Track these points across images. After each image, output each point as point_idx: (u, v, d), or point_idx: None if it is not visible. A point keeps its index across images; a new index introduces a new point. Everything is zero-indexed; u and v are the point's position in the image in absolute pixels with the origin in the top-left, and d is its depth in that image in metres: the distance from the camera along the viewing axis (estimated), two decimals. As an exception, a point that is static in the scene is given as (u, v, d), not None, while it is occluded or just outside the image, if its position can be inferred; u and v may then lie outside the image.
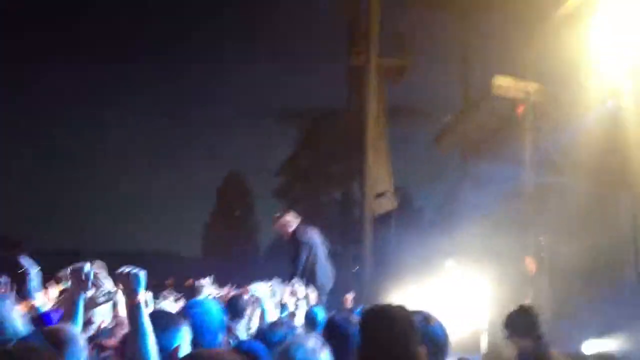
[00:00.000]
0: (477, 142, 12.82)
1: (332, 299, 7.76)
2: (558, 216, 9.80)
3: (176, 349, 2.61)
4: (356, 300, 7.84)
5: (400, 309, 2.06)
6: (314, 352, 2.27)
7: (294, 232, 7.66)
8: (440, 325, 2.59)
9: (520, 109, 10.68)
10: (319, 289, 7.33)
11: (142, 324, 2.51)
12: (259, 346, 3.18)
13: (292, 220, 7.74)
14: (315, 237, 7.82)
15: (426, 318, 2.55)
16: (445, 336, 2.58)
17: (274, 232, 7.92)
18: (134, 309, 2.54)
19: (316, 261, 7.58)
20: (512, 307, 4.54)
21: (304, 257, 7.48)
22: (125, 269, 2.62)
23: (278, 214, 7.87)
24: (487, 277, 8.92)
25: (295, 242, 7.60)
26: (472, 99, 12.16)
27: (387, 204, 10.96)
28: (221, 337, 3.21)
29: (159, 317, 2.76)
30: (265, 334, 3.77)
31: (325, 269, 7.69)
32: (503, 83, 10.89)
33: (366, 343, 1.97)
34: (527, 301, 5.54)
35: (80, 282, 3.10)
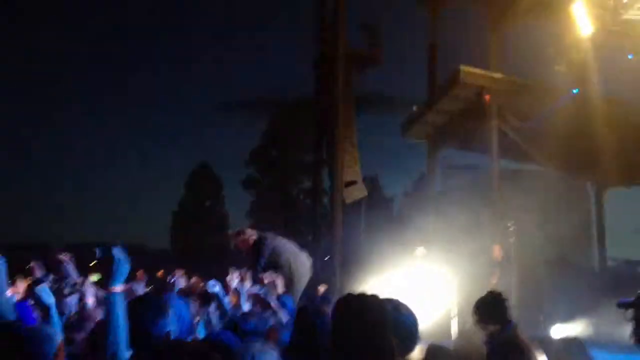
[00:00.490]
0: (445, 130, 12.91)
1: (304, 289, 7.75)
2: (525, 202, 9.94)
3: (168, 334, 2.63)
4: (328, 291, 7.85)
5: (373, 298, 2.05)
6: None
7: (255, 241, 7.63)
8: (411, 314, 2.59)
9: (487, 97, 10.78)
10: (297, 279, 7.32)
11: (117, 315, 2.47)
12: (230, 337, 3.17)
13: (251, 234, 7.70)
14: (277, 238, 7.82)
15: (397, 307, 2.55)
16: (415, 324, 2.57)
17: (234, 248, 7.84)
18: (111, 298, 2.50)
19: (286, 253, 7.56)
20: (481, 294, 4.58)
21: (266, 253, 7.46)
22: (117, 254, 2.56)
23: (236, 231, 7.81)
24: (456, 264, 9.01)
25: (256, 246, 7.57)
26: (440, 88, 12.23)
27: (357, 192, 10.97)
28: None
29: (151, 302, 2.79)
30: (237, 323, 3.76)
31: (302, 258, 7.68)
32: (470, 71, 10.98)
33: (338, 333, 1.95)
34: (494, 288, 5.59)
35: None
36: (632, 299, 2.91)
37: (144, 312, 2.65)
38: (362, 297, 2.06)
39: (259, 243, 7.59)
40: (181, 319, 2.92)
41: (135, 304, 2.71)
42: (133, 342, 2.46)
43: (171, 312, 2.74)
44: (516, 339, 4.28)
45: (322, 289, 7.89)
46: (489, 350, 4.34)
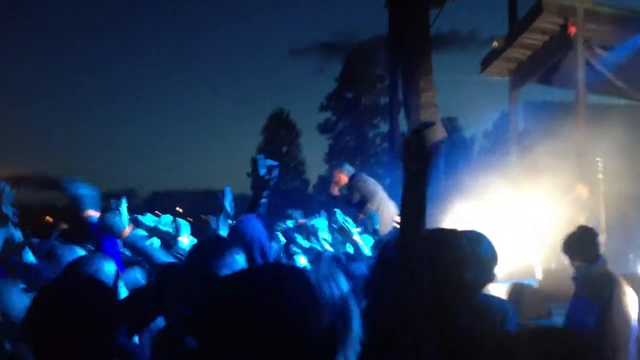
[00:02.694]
0: (527, 65, 12.41)
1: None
2: (613, 138, 9.51)
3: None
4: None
5: (447, 233, 2.02)
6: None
7: (351, 178, 7.74)
8: (490, 245, 2.54)
9: (572, 28, 10.22)
10: (385, 223, 7.42)
11: None
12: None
13: (349, 169, 7.81)
14: (370, 179, 7.94)
15: (473, 237, 2.51)
16: (494, 257, 2.52)
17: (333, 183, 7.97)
18: None
19: (378, 194, 7.70)
20: (568, 231, 4.50)
21: (363, 190, 7.57)
22: None
23: (334, 164, 7.96)
24: (540, 202, 8.81)
25: (352, 182, 7.71)
26: (521, 20, 11.69)
27: (436, 133, 10.80)
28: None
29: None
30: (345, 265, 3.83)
31: (390, 204, 7.77)
32: (553, 1, 10.42)
33: (410, 270, 1.94)
34: (585, 225, 5.45)
35: None
36: None
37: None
38: (436, 232, 2.04)
39: (355, 179, 7.71)
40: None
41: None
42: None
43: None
44: (604, 275, 4.20)
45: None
46: (577, 286, 4.28)
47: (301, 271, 1.73)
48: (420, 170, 1.83)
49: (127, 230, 3.21)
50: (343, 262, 3.87)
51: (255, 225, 3.04)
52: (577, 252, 4.24)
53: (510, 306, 2.36)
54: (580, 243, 4.26)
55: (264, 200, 3.53)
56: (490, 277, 2.40)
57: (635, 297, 4.09)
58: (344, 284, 2.34)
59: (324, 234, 5.19)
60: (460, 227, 2.44)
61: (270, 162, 3.59)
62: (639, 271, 7.71)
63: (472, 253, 2.29)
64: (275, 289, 1.39)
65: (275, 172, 3.57)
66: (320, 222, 5.30)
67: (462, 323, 1.86)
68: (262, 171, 3.41)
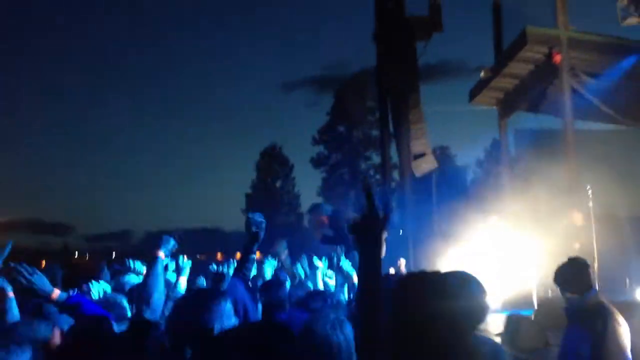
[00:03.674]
0: (515, 94, 12.54)
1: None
2: (603, 163, 9.55)
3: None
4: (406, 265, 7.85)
5: (433, 275, 2.00)
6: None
7: (330, 216, 7.65)
8: (479, 285, 2.54)
9: (557, 57, 10.35)
10: None
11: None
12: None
13: (327, 210, 7.74)
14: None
15: (462, 279, 2.51)
16: (483, 295, 2.52)
17: (308, 223, 7.89)
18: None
19: None
20: (562, 260, 4.49)
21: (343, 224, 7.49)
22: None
23: (312, 206, 7.82)
24: (534, 231, 8.80)
25: (333, 220, 7.62)
26: (507, 51, 11.84)
27: (427, 164, 10.83)
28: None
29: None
30: (306, 302, 3.84)
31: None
32: (537, 31, 10.57)
33: (397, 313, 1.93)
34: (577, 253, 5.44)
35: None
36: None
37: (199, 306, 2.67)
38: (423, 275, 2.01)
39: (336, 216, 7.64)
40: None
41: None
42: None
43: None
44: (596, 305, 4.18)
45: (403, 261, 7.86)
46: (570, 316, 4.27)
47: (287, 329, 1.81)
48: (371, 242, 1.86)
49: (55, 294, 3.11)
50: (305, 299, 3.86)
51: (239, 289, 3.39)
52: (568, 284, 4.21)
53: (501, 346, 2.34)
54: (572, 275, 4.23)
55: (252, 256, 4.07)
56: (481, 318, 2.38)
57: (627, 327, 4.07)
58: (349, 329, 2.35)
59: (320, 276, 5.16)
60: (447, 268, 2.44)
61: (258, 217, 4.09)
62: (635, 297, 7.66)
63: (461, 295, 2.28)
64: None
65: (263, 225, 4.09)
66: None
67: None
68: (253, 228, 3.85)
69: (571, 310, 4.21)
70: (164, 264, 3.35)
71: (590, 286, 4.17)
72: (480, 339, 2.53)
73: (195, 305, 2.63)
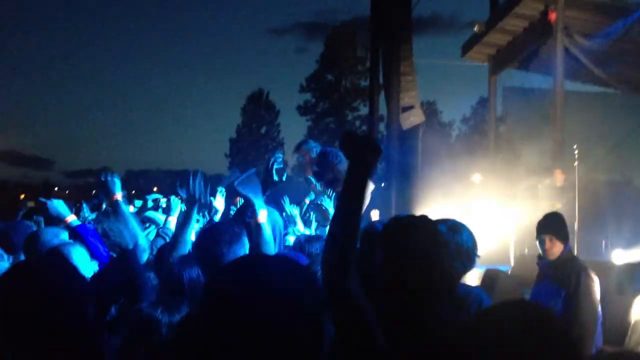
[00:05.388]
0: (507, 51, 12.42)
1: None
2: (590, 125, 9.57)
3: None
4: (383, 216, 7.83)
5: (425, 219, 1.96)
6: None
7: (319, 153, 7.55)
8: (469, 234, 2.52)
9: (552, 15, 10.21)
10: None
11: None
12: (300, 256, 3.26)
13: (314, 146, 7.61)
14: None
15: (453, 227, 2.49)
16: (473, 245, 2.51)
17: (297, 162, 7.78)
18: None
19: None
20: (551, 214, 4.54)
21: (332, 164, 7.41)
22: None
23: (298, 143, 7.67)
24: (516, 189, 8.86)
25: (321, 158, 7.50)
26: (502, 6, 11.66)
27: (414, 118, 10.75)
28: None
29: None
30: (303, 246, 3.83)
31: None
32: (534, -13, 10.40)
33: (388, 258, 1.89)
34: (558, 212, 5.47)
35: None
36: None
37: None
38: (413, 219, 1.98)
39: (324, 155, 7.54)
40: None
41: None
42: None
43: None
44: (571, 259, 4.27)
45: (376, 213, 7.85)
46: (542, 270, 4.36)
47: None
48: (364, 161, 1.70)
49: (69, 217, 3.49)
50: (302, 243, 3.86)
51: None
52: (550, 229, 4.28)
53: (486, 295, 2.35)
54: (555, 222, 4.33)
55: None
56: (470, 266, 2.39)
57: (598, 284, 4.16)
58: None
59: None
60: (437, 216, 2.41)
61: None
62: (608, 257, 7.78)
63: (453, 242, 2.27)
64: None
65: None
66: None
67: (442, 314, 1.81)
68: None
69: (544, 264, 4.29)
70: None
71: (562, 243, 4.24)
72: (466, 286, 2.54)
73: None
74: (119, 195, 3.31)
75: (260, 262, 1.45)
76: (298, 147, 7.25)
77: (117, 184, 3.35)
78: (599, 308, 4.14)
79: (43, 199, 3.75)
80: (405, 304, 1.84)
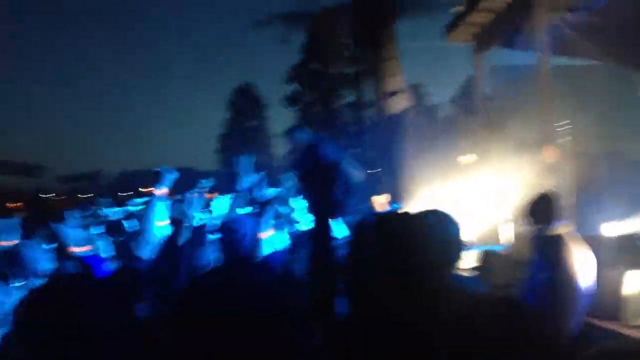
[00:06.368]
0: (491, 29, 12.30)
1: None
2: (578, 100, 9.50)
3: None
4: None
5: (409, 216, 1.91)
6: None
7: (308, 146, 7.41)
8: (455, 224, 2.50)
9: (536, -12, 10.10)
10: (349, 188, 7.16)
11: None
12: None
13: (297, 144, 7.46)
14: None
15: (439, 218, 2.47)
16: (458, 233, 2.49)
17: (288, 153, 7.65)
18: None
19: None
20: (538, 193, 4.64)
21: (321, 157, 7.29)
22: None
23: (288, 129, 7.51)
24: (508, 167, 8.79)
25: (310, 151, 7.39)
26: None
27: (402, 102, 10.68)
28: None
29: None
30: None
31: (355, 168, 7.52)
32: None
33: (376, 254, 1.84)
34: (549, 189, 5.47)
35: None
36: None
37: None
38: (398, 215, 1.94)
39: (310, 149, 7.42)
40: None
41: None
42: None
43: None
44: (553, 237, 4.33)
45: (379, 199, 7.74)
46: (533, 247, 4.47)
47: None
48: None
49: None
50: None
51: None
52: (534, 216, 4.44)
53: (482, 282, 2.29)
54: (537, 207, 4.45)
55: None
56: (457, 257, 2.35)
57: (586, 256, 4.22)
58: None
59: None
60: (424, 207, 2.38)
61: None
62: (599, 231, 7.74)
63: (439, 234, 2.22)
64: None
65: None
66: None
67: (432, 306, 1.75)
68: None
69: (533, 241, 4.40)
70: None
71: (552, 219, 4.32)
72: (459, 277, 2.50)
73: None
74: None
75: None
76: (290, 134, 7.08)
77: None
78: (578, 280, 4.18)
79: None
80: (395, 300, 1.78)
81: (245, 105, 42.39)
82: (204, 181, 5.21)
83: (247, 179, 4.52)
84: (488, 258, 6.78)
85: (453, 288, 1.95)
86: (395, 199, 8.53)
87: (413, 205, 8.27)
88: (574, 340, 3.96)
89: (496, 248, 7.55)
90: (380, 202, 7.64)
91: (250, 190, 5.25)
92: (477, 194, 8.89)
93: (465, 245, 2.47)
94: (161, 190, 4.03)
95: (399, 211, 2.01)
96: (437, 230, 2.24)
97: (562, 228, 4.26)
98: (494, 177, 9.11)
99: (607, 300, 4.47)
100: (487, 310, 1.22)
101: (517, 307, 1.22)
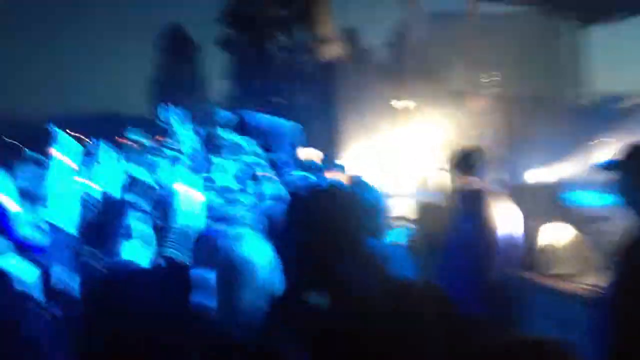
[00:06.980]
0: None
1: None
2: (501, 47, 9.63)
3: None
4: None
5: (330, 186, 1.95)
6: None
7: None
8: (374, 190, 2.52)
9: None
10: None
11: None
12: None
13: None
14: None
15: (358, 185, 2.48)
16: (380, 201, 2.51)
17: None
18: None
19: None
20: (460, 146, 4.67)
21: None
22: None
23: None
24: (438, 116, 8.90)
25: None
26: None
27: (335, 47, 10.58)
28: None
29: None
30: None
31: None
32: None
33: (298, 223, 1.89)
34: (477, 138, 5.56)
35: None
36: (615, 158, 2.63)
37: None
38: (319, 187, 1.98)
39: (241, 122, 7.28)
40: None
41: None
42: None
43: None
44: (474, 190, 4.40)
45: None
46: (457, 199, 4.53)
47: None
48: None
49: None
50: None
51: None
52: (458, 168, 4.47)
53: (404, 248, 2.32)
54: (461, 160, 4.49)
55: None
56: (376, 223, 2.36)
57: (507, 210, 4.30)
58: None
59: None
60: (355, 156, 2.38)
61: None
62: (523, 179, 8.00)
63: (356, 200, 2.22)
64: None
65: None
66: None
67: (349, 274, 1.77)
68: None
69: (456, 193, 4.47)
70: None
71: (472, 173, 4.37)
72: (379, 242, 2.50)
73: None
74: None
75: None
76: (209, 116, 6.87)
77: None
78: (497, 232, 4.27)
79: None
80: (315, 264, 1.81)
81: (176, 48, 41.12)
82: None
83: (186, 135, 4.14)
84: (422, 207, 6.88)
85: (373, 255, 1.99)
86: (328, 150, 8.52)
87: (346, 157, 8.29)
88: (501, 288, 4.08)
89: (429, 196, 7.66)
90: (311, 155, 7.60)
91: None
92: (410, 141, 8.99)
93: (388, 215, 2.49)
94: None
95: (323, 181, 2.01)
96: (356, 196, 2.24)
97: (482, 182, 4.33)
98: (427, 125, 9.21)
99: (527, 251, 4.60)
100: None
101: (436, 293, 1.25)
